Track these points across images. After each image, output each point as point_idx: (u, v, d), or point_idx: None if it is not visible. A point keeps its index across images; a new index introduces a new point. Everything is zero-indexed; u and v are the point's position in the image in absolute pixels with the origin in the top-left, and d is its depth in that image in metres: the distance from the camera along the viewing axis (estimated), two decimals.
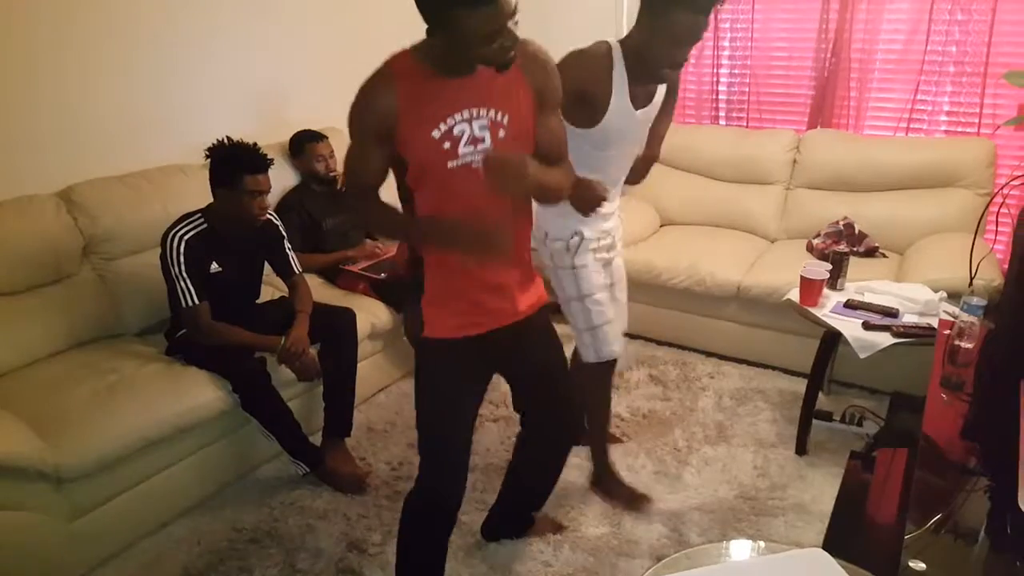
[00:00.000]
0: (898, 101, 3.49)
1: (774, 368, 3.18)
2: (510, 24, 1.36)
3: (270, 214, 2.49)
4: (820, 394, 2.68)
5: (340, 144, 3.18)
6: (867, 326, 2.32)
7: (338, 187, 3.17)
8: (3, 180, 2.40)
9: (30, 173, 2.47)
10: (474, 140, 1.50)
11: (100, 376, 2.26)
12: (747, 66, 3.80)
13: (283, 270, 2.59)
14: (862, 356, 2.27)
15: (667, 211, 3.83)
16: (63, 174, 2.54)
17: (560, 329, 1.87)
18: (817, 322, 2.44)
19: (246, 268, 2.54)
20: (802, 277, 2.50)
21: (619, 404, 2.90)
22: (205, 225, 2.34)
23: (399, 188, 1.59)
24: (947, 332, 1.90)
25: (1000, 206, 3.10)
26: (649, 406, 2.92)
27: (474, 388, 1.77)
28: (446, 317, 1.66)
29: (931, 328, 2.25)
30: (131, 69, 2.73)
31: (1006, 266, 2.52)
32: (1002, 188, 2.73)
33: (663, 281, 3.27)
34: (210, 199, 2.36)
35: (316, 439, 2.56)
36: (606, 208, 2.09)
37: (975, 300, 1.85)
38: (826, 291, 2.53)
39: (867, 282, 2.61)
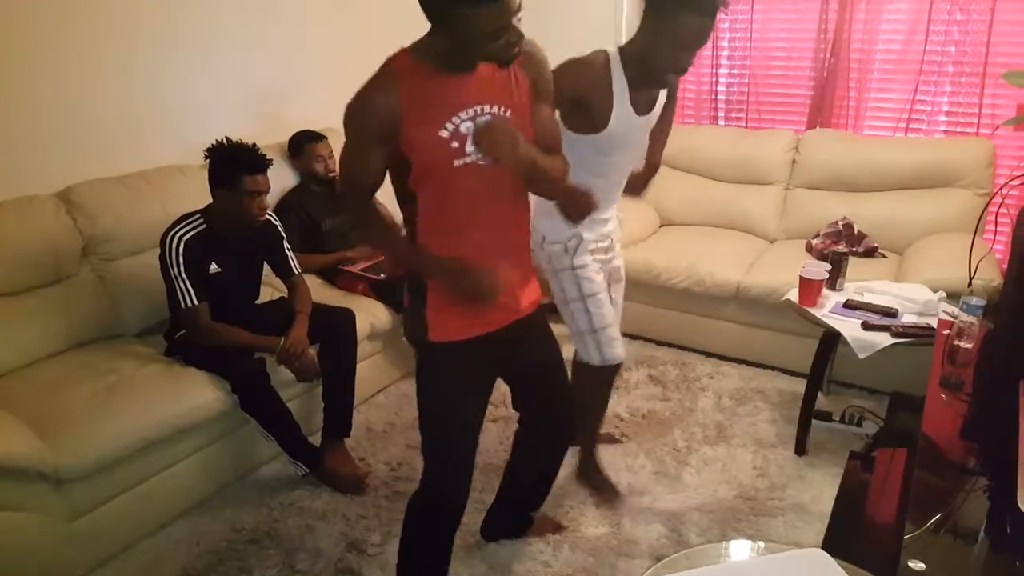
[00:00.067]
0: (897, 101, 3.50)
1: (773, 368, 3.18)
2: (514, 21, 1.36)
3: (269, 215, 2.49)
4: (819, 394, 2.68)
5: (339, 145, 3.16)
6: (866, 326, 2.33)
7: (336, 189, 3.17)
8: (2, 180, 2.40)
9: (29, 173, 2.47)
10: None
11: (99, 377, 2.26)
12: (746, 66, 3.81)
13: (282, 271, 2.59)
14: (861, 356, 2.28)
15: (666, 211, 3.83)
16: (62, 174, 2.54)
17: (556, 329, 1.87)
18: (816, 322, 2.44)
19: (245, 269, 2.54)
20: (801, 277, 2.50)
21: (618, 404, 2.90)
22: (204, 226, 2.34)
23: (398, 189, 1.59)
24: (946, 332, 1.90)
25: (999, 206, 3.10)
26: (648, 406, 2.92)
27: (479, 390, 1.76)
28: (452, 319, 1.63)
29: (930, 328, 2.25)
30: (131, 69, 2.73)
31: (1005, 266, 2.52)
32: (1001, 188, 2.73)
33: (662, 281, 3.27)
34: (209, 200, 2.36)
35: (315, 440, 2.56)
36: (606, 212, 2.10)
37: (974, 300, 1.85)
38: (825, 291, 2.54)
39: (866, 282, 2.61)
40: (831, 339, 2.51)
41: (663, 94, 2.01)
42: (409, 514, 1.80)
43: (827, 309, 2.47)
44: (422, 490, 1.76)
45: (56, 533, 1.98)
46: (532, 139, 1.55)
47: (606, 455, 2.59)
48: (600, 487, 2.41)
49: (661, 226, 3.81)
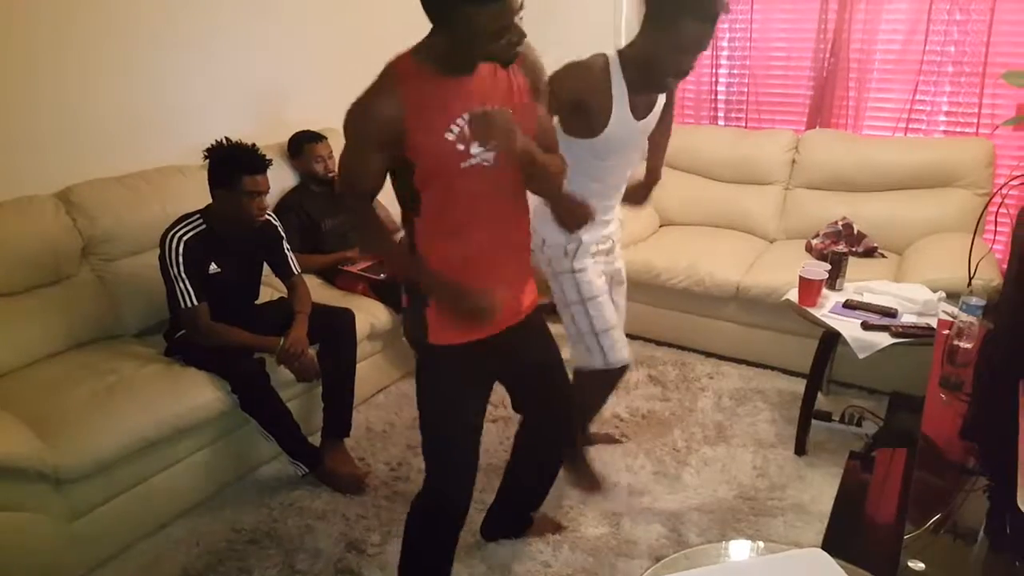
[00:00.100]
0: (897, 101, 3.50)
1: (773, 368, 3.18)
2: (516, 20, 1.36)
3: (269, 215, 2.49)
4: (819, 394, 2.68)
5: (339, 145, 3.16)
6: (866, 326, 2.33)
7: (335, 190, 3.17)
8: (2, 180, 2.40)
9: (29, 174, 2.47)
10: None
11: (99, 377, 2.26)
12: (746, 66, 3.81)
13: (282, 271, 2.59)
14: (861, 356, 2.28)
15: (666, 211, 3.83)
16: (62, 175, 2.54)
17: (554, 329, 1.87)
18: (816, 322, 2.44)
19: (245, 269, 2.54)
20: (801, 277, 2.50)
21: (618, 404, 2.90)
22: (204, 226, 2.34)
23: (399, 190, 1.58)
24: (946, 332, 1.90)
25: (999, 206, 3.10)
26: (648, 406, 2.92)
27: (480, 392, 1.76)
28: (452, 321, 1.62)
29: (930, 328, 2.25)
30: (131, 69, 2.73)
31: (1005, 266, 2.52)
32: (1001, 188, 2.74)
33: (662, 281, 3.27)
34: (209, 200, 2.36)
35: (315, 440, 2.56)
36: (606, 214, 2.09)
37: (974, 300, 1.85)
38: (825, 291, 2.54)
39: (866, 282, 2.61)
40: (831, 339, 2.51)
41: (661, 98, 2.01)
42: (412, 516, 1.79)
43: (827, 309, 2.47)
44: (425, 492, 1.75)
45: (56, 533, 1.98)
46: (534, 138, 1.55)
47: (606, 455, 2.60)
48: (581, 476, 2.41)
49: (661, 226, 3.81)
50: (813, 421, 2.61)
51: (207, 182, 2.33)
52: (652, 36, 1.79)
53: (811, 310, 2.46)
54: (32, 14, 2.42)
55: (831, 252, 2.71)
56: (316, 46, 3.41)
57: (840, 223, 3.33)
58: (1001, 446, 1.34)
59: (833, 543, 1.61)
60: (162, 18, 2.78)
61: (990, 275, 2.62)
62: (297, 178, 3.20)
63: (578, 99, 1.84)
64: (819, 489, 2.40)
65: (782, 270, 3.02)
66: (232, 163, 2.28)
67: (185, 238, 2.29)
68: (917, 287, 2.54)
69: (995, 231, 3.29)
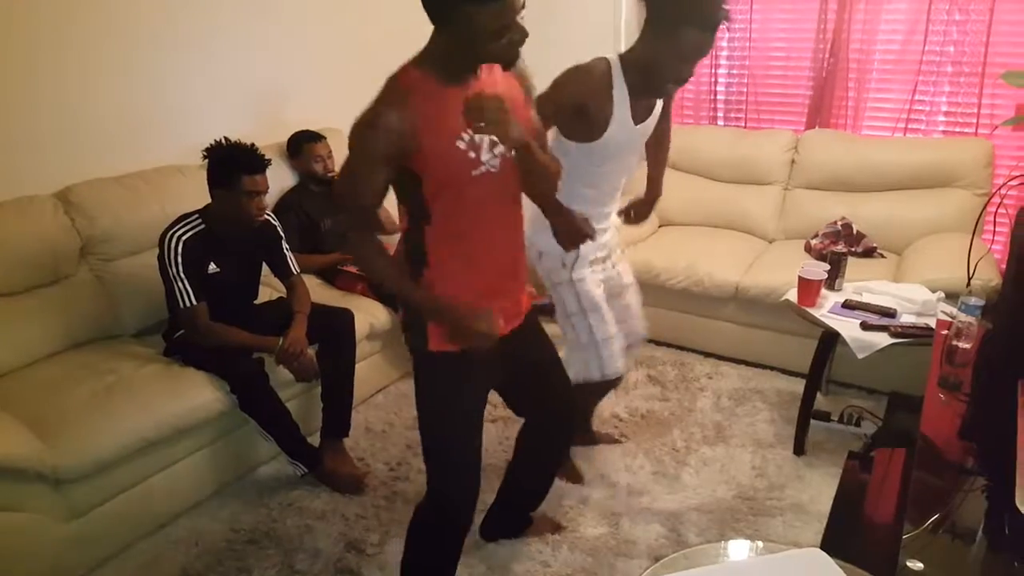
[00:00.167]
0: (896, 101, 3.50)
1: (772, 368, 3.19)
2: (518, 19, 1.35)
3: (268, 214, 2.49)
4: (818, 394, 2.68)
5: (338, 145, 3.18)
6: (865, 326, 2.33)
7: (333, 190, 3.17)
8: (1, 180, 2.40)
9: (28, 173, 2.47)
10: (493, 145, 1.49)
11: (98, 377, 2.26)
12: (745, 66, 3.81)
13: (281, 271, 2.59)
14: (860, 356, 2.28)
15: (665, 211, 3.82)
16: (61, 175, 2.54)
17: (549, 330, 1.88)
18: (815, 322, 2.44)
19: (244, 269, 2.54)
20: (800, 277, 2.50)
21: (617, 404, 2.90)
22: (203, 226, 2.34)
23: (407, 202, 1.56)
24: (945, 332, 1.91)
25: (998, 206, 3.10)
26: (647, 406, 2.92)
27: (480, 395, 1.75)
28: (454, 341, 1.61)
29: (929, 328, 2.25)
30: (131, 69, 2.73)
31: (1004, 266, 2.52)
32: (1000, 188, 2.73)
33: (661, 281, 3.27)
34: (208, 200, 2.36)
35: (314, 440, 2.56)
36: (602, 222, 2.09)
37: (973, 300, 1.85)
38: (824, 291, 2.54)
39: (865, 282, 2.61)
40: (830, 339, 2.51)
41: (659, 103, 2.01)
42: (415, 525, 1.78)
43: (826, 309, 2.47)
44: (428, 498, 1.74)
45: (55, 533, 1.98)
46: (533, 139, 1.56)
47: (605, 455, 2.60)
48: (563, 467, 2.41)
49: (660, 226, 3.81)
50: (812, 421, 2.61)
51: (206, 182, 2.33)
52: (652, 43, 1.79)
53: (810, 310, 2.47)
54: (32, 14, 2.42)
55: (830, 252, 2.72)
56: (316, 46, 3.41)
57: (839, 223, 3.34)
58: (1000, 446, 1.34)
59: (832, 543, 1.61)
60: (162, 18, 2.78)
61: (989, 275, 2.62)
62: (296, 178, 3.20)
63: (581, 103, 1.84)
64: (818, 489, 2.40)
65: (781, 270, 3.02)
66: (231, 163, 2.28)
67: (184, 238, 2.29)
68: (916, 287, 2.54)
69: (994, 231, 3.29)
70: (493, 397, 1.84)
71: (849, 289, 2.59)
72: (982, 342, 1.82)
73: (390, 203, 1.73)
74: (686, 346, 3.39)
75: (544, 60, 1.91)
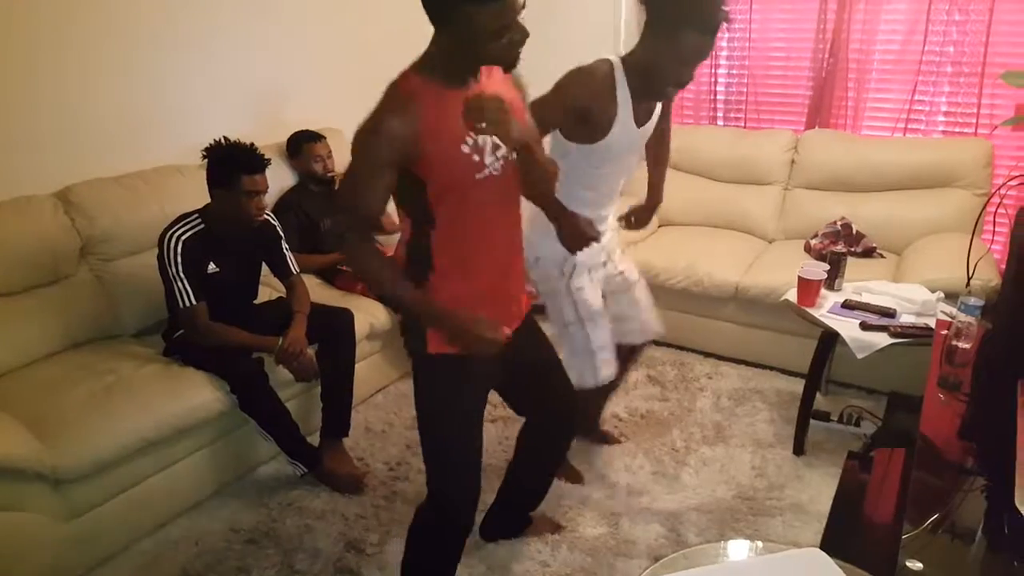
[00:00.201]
0: (896, 101, 3.50)
1: (772, 368, 3.19)
2: (518, 19, 1.35)
3: (267, 214, 2.49)
4: (818, 394, 2.68)
5: (337, 144, 3.18)
6: (864, 326, 2.33)
7: (335, 197, 3.16)
8: (1, 180, 2.39)
9: (28, 173, 2.47)
10: (495, 147, 1.49)
11: (98, 377, 2.26)
12: (745, 66, 3.81)
13: (280, 270, 2.59)
14: (859, 356, 2.28)
15: (665, 211, 3.81)
16: (61, 174, 2.54)
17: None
18: (815, 322, 2.44)
19: (244, 268, 2.54)
20: (800, 277, 2.50)
21: (617, 404, 2.90)
22: (202, 225, 2.34)
23: (410, 208, 1.56)
24: (944, 332, 1.91)
25: (997, 206, 3.10)
26: (647, 406, 2.93)
27: (480, 392, 1.75)
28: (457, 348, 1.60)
29: (928, 328, 2.25)
30: (131, 69, 2.73)
31: (1003, 266, 2.52)
32: (999, 188, 2.74)
33: (661, 281, 3.27)
34: (207, 200, 2.36)
35: (314, 440, 2.56)
36: (600, 225, 2.08)
37: (972, 300, 1.85)
38: (824, 291, 2.54)
39: (864, 282, 2.61)
40: (829, 339, 2.51)
41: (659, 105, 2.01)
42: (416, 527, 1.78)
43: (825, 309, 2.47)
44: (429, 499, 1.73)
45: (54, 533, 1.98)
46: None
47: (605, 455, 2.60)
48: (563, 467, 2.41)
49: (660, 226, 3.81)
50: (812, 421, 2.61)
51: (205, 182, 2.33)
52: (652, 45, 1.79)
53: (810, 310, 2.47)
54: (32, 14, 2.42)
55: (830, 252, 2.72)
56: (316, 46, 3.41)
57: (839, 223, 3.34)
58: (999, 446, 1.34)
59: (831, 543, 1.61)
60: (162, 18, 2.78)
61: (988, 275, 2.62)
62: (296, 178, 3.20)
63: (585, 105, 1.83)
64: (817, 489, 2.40)
65: (781, 270, 3.02)
66: (231, 163, 2.28)
67: (183, 238, 2.29)
68: (916, 287, 2.54)
69: (993, 231, 3.29)
70: (493, 397, 1.84)
71: (849, 289, 2.59)
72: (982, 342, 1.82)
73: (389, 203, 1.74)
74: (686, 346, 3.39)
75: (544, 61, 1.91)
